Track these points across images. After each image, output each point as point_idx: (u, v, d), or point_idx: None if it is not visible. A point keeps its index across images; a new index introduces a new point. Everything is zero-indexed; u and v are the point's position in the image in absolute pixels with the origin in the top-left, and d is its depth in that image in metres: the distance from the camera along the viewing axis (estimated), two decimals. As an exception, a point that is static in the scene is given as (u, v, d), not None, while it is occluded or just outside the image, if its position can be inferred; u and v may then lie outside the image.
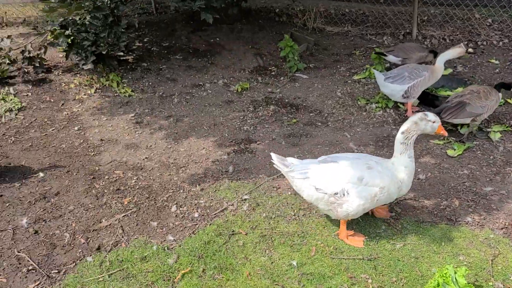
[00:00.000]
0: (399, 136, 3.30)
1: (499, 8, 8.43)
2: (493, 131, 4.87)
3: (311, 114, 5.61)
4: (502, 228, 3.46)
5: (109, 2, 6.15)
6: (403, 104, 5.60)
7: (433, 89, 5.75)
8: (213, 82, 6.53)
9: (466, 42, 7.36)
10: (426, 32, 8.11)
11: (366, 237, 3.44)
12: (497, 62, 6.70)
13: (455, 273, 2.75)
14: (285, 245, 3.41)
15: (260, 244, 3.44)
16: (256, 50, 7.57)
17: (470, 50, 5.23)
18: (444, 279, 2.70)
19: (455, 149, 4.59)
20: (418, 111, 5.52)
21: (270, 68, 7.04)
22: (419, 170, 4.30)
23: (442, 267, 2.82)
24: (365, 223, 3.60)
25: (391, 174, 3.27)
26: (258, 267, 3.22)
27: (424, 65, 5.40)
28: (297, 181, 3.36)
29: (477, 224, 3.53)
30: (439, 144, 4.76)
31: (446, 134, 3.41)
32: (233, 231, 3.60)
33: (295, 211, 3.81)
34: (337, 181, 3.22)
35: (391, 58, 6.19)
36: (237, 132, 5.24)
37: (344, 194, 3.21)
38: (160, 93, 6.22)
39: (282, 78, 6.71)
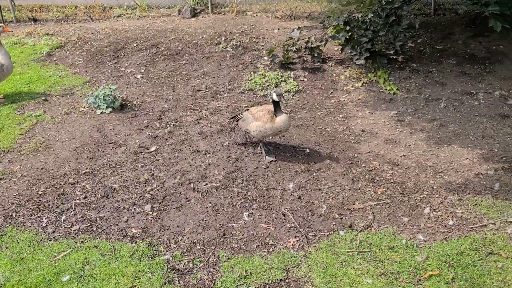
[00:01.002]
0: None
1: None
2: None
3: None
4: None
5: (394, 1, 6.35)
6: None
7: None
8: (487, 92, 6.02)
9: None
10: None
11: None
12: None
13: None
14: None
15: None
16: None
17: None
18: None
19: None
20: None
21: None
22: None
23: None
24: None
25: None
26: (518, 297, 2.92)
27: None
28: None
29: None
30: None
31: None
32: (491, 250, 3.34)
33: None
34: None
35: None
36: (509, 149, 4.74)
37: None
38: (426, 95, 6.12)
39: None
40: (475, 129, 5.21)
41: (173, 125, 5.79)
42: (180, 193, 4.37)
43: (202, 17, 9.81)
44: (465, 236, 3.52)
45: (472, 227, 3.63)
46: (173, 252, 3.57)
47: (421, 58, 7.11)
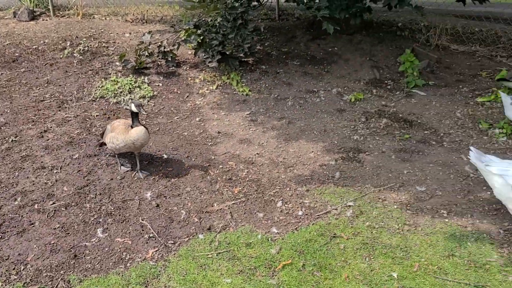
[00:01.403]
0: None
1: None
2: None
3: (425, 132, 5.46)
4: None
5: (239, 6, 6.61)
6: (532, 132, 5.18)
7: None
8: (327, 90, 6.65)
9: None
10: None
11: None
12: None
13: None
14: (386, 256, 3.41)
15: (361, 251, 3.48)
16: (373, 62, 7.52)
17: None
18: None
19: None
20: (549, 142, 5.07)
21: (386, 82, 6.95)
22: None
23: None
24: (476, 249, 3.45)
25: None
26: (357, 272, 3.27)
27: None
28: (493, 177, 3.48)
29: None
30: None
31: None
32: (334, 234, 3.69)
33: (400, 225, 3.77)
34: None
35: None
36: (346, 141, 5.30)
37: None
38: (275, 95, 6.51)
39: (397, 92, 6.60)
40: (318, 124, 5.71)
41: (12, 140, 5.18)
42: (22, 216, 3.92)
43: (43, 20, 8.97)
44: (313, 224, 3.83)
45: (318, 215, 3.96)
46: (13, 285, 3.17)
47: (269, 60, 7.55)
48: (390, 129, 5.54)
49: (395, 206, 4.03)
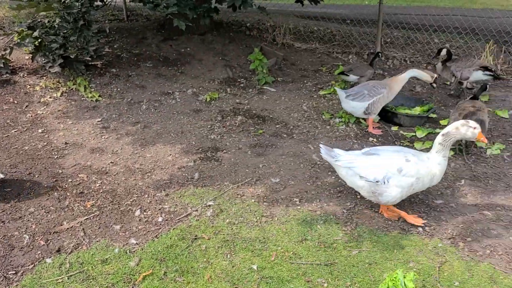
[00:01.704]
0: (439, 137, 3.64)
1: (456, 34, 8.96)
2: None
3: (277, 126, 5.77)
4: (449, 238, 3.68)
5: (80, 5, 6.15)
6: (364, 119, 5.85)
7: (393, 107, 6.03)
8: (182, 91, 6.60)
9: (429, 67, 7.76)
10: (389, 53, 8.49)
11: (426, 221, 3.81)
12: (462, 86, 7.09)
13: (404, 277, 2.91)
14: (246, 250, 3.50)
15: (222, 249, 3.51)
16: (226, 61, 7.70)
17: (434, 85, 5.55)
18: (393, 283, 2.86)
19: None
20: (378, 127, 5.79)
21: (239, 80, 7.18)
22: (377, 182, 4.51)
23: (393, 272, 2.98)
24: (324, 231, 3.75)
25: (426, 167, 3.63)
26: (219, 271, 3.29)
27: (382, 82, 5.65)
28: (342, 169, 3.76)
29: (428, 234, 3.73)
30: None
31: (486, 141, 3.68)
32: (196, 236, 3.66)
33: (258, 218, 3.91)
34: (379, 171, 3.61)
35: (352, 77, 6.48)
36: (204, 141, 5.32)
37: (384, 183, 3.60)
38: (129, 99, 6.23)
39: (250, 90, 6.86)
40: (175, 126, 5.63)
41: None
42: None
43: None
44: (173, 229, 3.74)
45: (179, 218, 3.89)
46: None
47: (120, 63, 7.19)
48: (245, 126, 5.73)
49: (253, 200, 4.17)
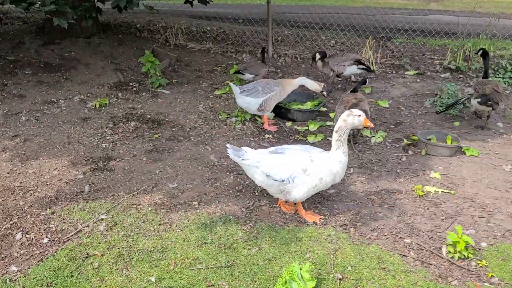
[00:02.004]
0: (334, 135, 3.75)
1: (339, 31, 9.55)
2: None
3: (173, 129, 5.63)
4: (342, 225, 3.88)
5: None
6: (260, 117, 5.95)
7: (286, 103, 6.22)
8: (68, 99, 6.14)
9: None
10: (280, 50, 8.77)
11: (322, 216, 3.94)
12: (339, 79, 7.54)
13: (300, 269, 3.00)
14: (144, 261, 3.35)
15: (117, 264, 3.31)
16: (116, 65, 7.34)
17: (325, 93, 5.82)
18: (290, 276, 2.93)
19: (305, 157, 5.01)
20: (273, 124, 5.93)
21: (131, 84, 6.88)
22: (274, 178, 4.61)
23: (289, 265, 3.05)
24: (224, 232, 3.72)
25: (328, 167, 3.73)
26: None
27: (276, 81, 5.81)
28: (250, 168, 3.73)
29: (322, 224, 3.90)
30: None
31: (372, 125, 3.87)
32: (87, 254, 3.41)
33: (155, 226, 3.77)
34: (286, 170, 3.65)
35: (247, 76, 6.57)
36: (94, 150, 5.00)
37: (290, 182, 3.66)
38: (5, 111, 5.64)
39: (144, 93, 6.62)
40: (61, 137, 5.21)
41: None
42: None
43: None
44: (61, 249, 3.45)
45: (68, 237, 3.60)
46: None
47: (-8, 71, 6.49)
48: (140, 131, 5.50)
49: (150, 209, 4.00)
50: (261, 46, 8.88)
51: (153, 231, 3.71)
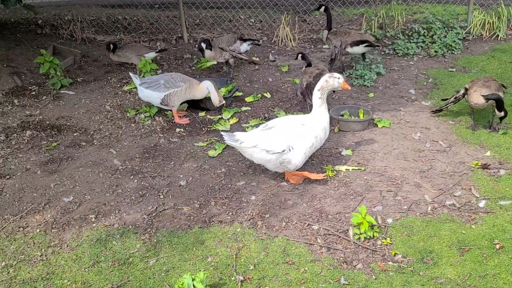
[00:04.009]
0: (316, 93, 4.02)
1: (261, 9, 9.26)
2: (250, 126, 5.26)
3: (75, 134, 5.20)
4: (249, 220, 3.70)
5: None
6: (171, 110, 5.62)
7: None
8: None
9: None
10: (197, 34, 8.40)
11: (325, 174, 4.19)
12: (257, 59, 7.31)
13: (193, 279, 2.79)
14: (25, 295, 3.02)
15: (-7, 302, 2.97)
16: (13, 68, 6.72)
17: (224, 104, 5.51)
18: (181, 290, 2.72)
19: (216, 149, 4.78)
20: (185, 116, 5.63)
21: (30, 88, 6.32)
22: (180, 176, 4.35)
23: (180, 278, 2.83)
24: (120, 246, 3.44)
25: (319, 124, 4.02)
26: (-13, 332, 2.76)
27: (186, 77, 5.46)
28: (249, 149, 3.86)
29: (229, 221, 3.70)
30: (202, 146, 4.90)
31: (349, 88, 4.23)
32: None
33: (43, 250, 3.42)
34: (283, 140, 3.85)
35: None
36: (-19, 168, 4.51)
37: (290, 150, 3.86)
38: None
39: (44, 97, 6.09)
40: None
41: None
42: None
43: None
44: None
45: None
46: None
47: None
48: (36, 141, 5.04)
49: (38, 230, 3.64)
50: (176, 32, 8.46)
51: (40, 256, 3.37)
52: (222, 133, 3.91)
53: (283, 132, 3.90)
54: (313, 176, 4.18)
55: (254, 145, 3.83)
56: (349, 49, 6.37)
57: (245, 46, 6.62)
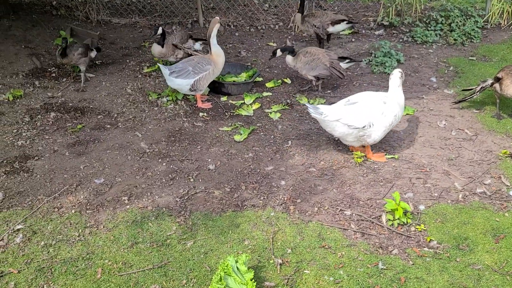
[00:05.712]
0: (397, 73, 4.25)
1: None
2: (273, 111, 5.26)
3: (99, 117, 5.20)
4: (281, 204, 3.73)
5: None
6: (193, 95, 5.62)
7: (220, 77, 5.89)
8: (-25, 93, 5.51)
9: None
10: (212, 19, 8.32)
11: (385, 152, 4.42)
12: (274, 44, 7.27)
13: (236, 261, 2.83)
14: (67, 273, 3.05)
15: (37, 280, 3.00)
16: (31, 50, 6.68)
17: (220, 25, 5.55)
18: (225, 271, 2.75)
19: (241, 134, 4.79)
20: (208, 100, 5.63)
21: (50, 70, 6.28)
22: (208, 160, 4.37)
23: (224, 260, 2.87)
24: (157, 228, 3.48)
25: (398, 103, 4.21)
26: (34, 309, 2.80)
27: (206, 57, 5.43)
28: (331, 123, 4.05)
29: (261, 205, 3.73)
30: (227, 130, 4.91)
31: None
32: (1, 272, 3.06)
33: (80, 231, 3.45)
34: (365, 117, 4.02)
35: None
36: (9, 150, 4.52)
37: (370, 126, 4.04)
38: None
39: (64, 79, 6.07)
40: (-31, 139, 4.67)
41: None
42: None
43: None
44: (-28, 271, 3.08)
45: (-20, 256, 3.22)
46: None
47: None
48: (61, 123, 5.04)
49: (74, 211, 3.67)
50: (191, 16, 8.39)
51: (78, 236, 3.40)
52: (307, 105, 4.07)
53: (366, 108, 4.06)
54: (376, 156, 4.35)
55: (337, 119, 4.02)
56: (330, 28, 6.61)
57: (197, 46, 6.44)
